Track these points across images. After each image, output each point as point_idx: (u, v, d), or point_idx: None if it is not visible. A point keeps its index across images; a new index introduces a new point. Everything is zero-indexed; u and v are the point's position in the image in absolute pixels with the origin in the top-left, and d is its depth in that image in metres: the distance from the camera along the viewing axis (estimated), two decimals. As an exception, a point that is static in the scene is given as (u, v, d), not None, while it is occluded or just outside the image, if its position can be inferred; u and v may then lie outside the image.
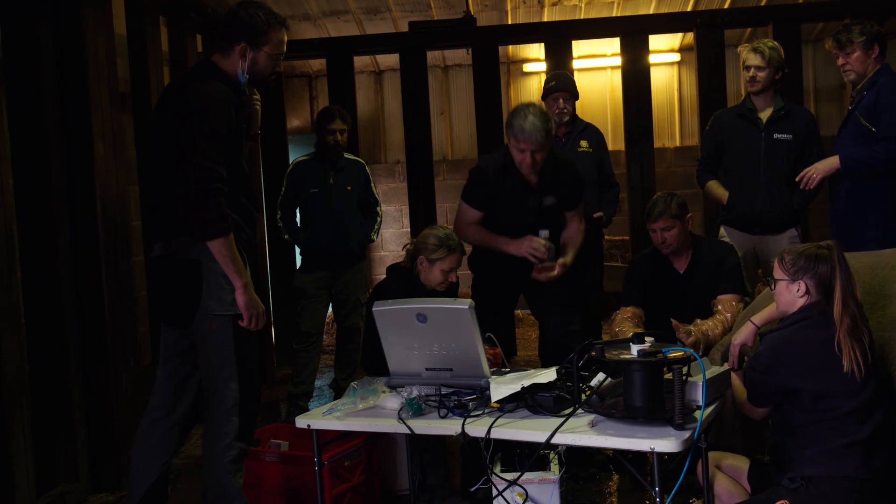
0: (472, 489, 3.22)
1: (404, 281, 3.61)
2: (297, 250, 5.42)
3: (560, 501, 3.23)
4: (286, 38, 3.17)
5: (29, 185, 3.68)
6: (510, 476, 3.35)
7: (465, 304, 2.80)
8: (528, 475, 3.16)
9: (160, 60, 4.68)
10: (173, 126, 2.93)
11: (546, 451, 3.54)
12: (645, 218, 3.91)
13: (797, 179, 4.24)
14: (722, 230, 4.61)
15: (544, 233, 3.75)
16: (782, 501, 2.59)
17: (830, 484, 2.58)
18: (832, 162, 4.14)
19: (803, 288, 2.81)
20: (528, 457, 3.33)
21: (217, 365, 2.99)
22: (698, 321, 3.66)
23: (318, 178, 5.04)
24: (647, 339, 2.63)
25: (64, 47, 3.78)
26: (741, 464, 2.96)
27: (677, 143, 8.99)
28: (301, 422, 2.93)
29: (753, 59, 4.39)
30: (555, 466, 3.42)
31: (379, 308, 2.92)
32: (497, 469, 3.31)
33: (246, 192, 3.09)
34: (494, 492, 3.31)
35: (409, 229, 6.82)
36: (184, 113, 2.91)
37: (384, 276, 3.83)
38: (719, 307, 3.73)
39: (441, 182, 7.49)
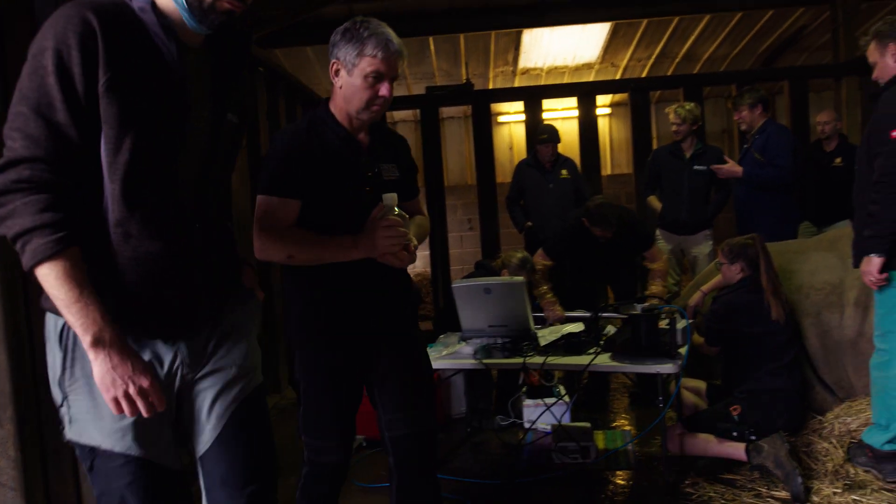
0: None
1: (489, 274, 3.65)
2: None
3: (570, 418, 3.53)
4: None
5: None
6: (534, 401, 3.64)
7: (518, 280, 3.05)
8: (549, 400, 3.46)
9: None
10: None
11: (555, 386, 3.80)
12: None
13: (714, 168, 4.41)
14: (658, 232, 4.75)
15: (390, 197, 1.81)
16: (735, 406, 2.89)
17: (768, 394, 2.89)
18: (737, 170, 4.30)
19: (739, 267, 3.12)
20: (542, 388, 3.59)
21: None
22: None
23: None
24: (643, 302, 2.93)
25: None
26: (700, 385, 3.26)
27: (609, 172, 9.33)
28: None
29: (675, 117, 4.55)
30: (565, 396, 3.70)
31: (457, 285, 3.13)
32: (525, 395, 3.61)
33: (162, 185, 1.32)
34: (527, 412, 3.58)
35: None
36: None
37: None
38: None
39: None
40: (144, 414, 1.27)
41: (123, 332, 1.27)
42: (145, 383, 1.26)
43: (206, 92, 1.39)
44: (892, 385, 2.62)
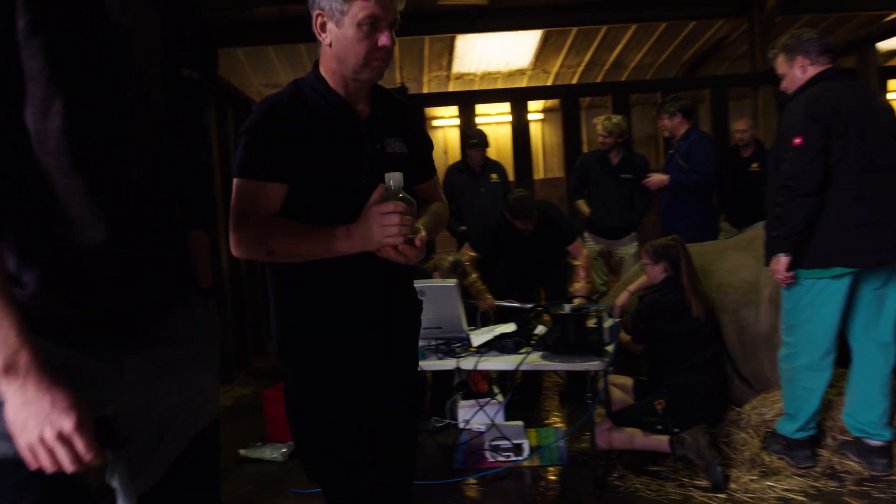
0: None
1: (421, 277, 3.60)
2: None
3: (504, 417, 3.60)
4: None
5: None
6: (469, 402, 3.69)
7: (451, 283, 3.09)
8: (483, 400, 3.52)
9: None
10: None
11: (492, 386, 3.88)
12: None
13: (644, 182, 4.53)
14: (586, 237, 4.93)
15: (394, 177, 1.46)
16: (660, 401, 3.00)
17: (690, 388, 3.02)
18: (664, 178, 4.44)
19: (662, 267, 3.26)
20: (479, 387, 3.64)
21: None
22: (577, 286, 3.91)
23: None
24: (572, 302, 3.03)
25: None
26: (627, 381, 3.38)
27: (542, 176, 9.53)
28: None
29: (602, 130, 4.69)
30: (499, 395, 3.77)
31: (391, 288, 3.14)
32: (460, 396, 3.66)
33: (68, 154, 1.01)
34: (461, 412, 3.63)
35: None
36: None
37: None
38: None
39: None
40: (67, 469, 0.94)
41: (47, 338, 0.99)
42: (68, 426, 0.93)
43: (155, 43, 1.10)
44: (797, 376, 2.80)
